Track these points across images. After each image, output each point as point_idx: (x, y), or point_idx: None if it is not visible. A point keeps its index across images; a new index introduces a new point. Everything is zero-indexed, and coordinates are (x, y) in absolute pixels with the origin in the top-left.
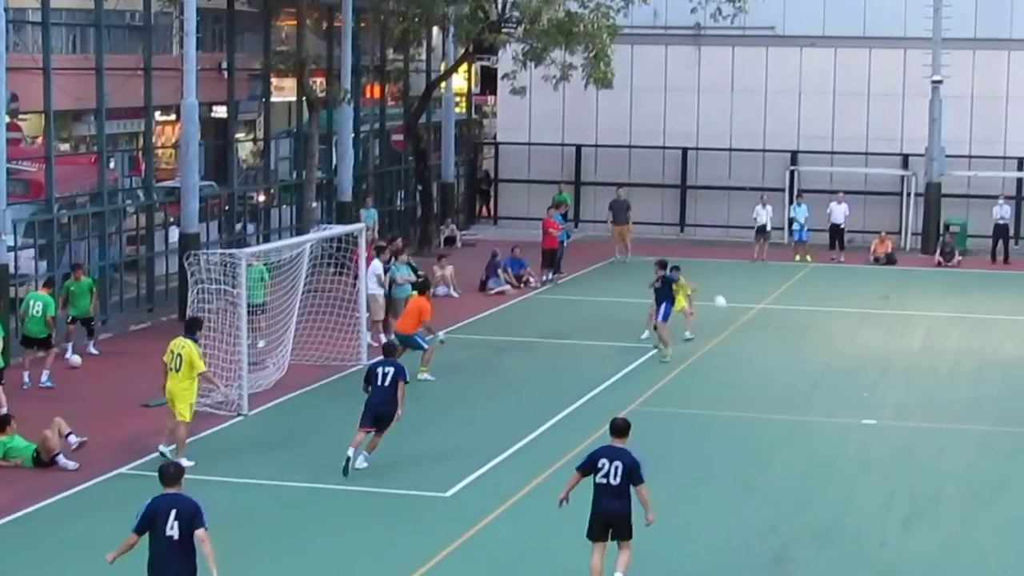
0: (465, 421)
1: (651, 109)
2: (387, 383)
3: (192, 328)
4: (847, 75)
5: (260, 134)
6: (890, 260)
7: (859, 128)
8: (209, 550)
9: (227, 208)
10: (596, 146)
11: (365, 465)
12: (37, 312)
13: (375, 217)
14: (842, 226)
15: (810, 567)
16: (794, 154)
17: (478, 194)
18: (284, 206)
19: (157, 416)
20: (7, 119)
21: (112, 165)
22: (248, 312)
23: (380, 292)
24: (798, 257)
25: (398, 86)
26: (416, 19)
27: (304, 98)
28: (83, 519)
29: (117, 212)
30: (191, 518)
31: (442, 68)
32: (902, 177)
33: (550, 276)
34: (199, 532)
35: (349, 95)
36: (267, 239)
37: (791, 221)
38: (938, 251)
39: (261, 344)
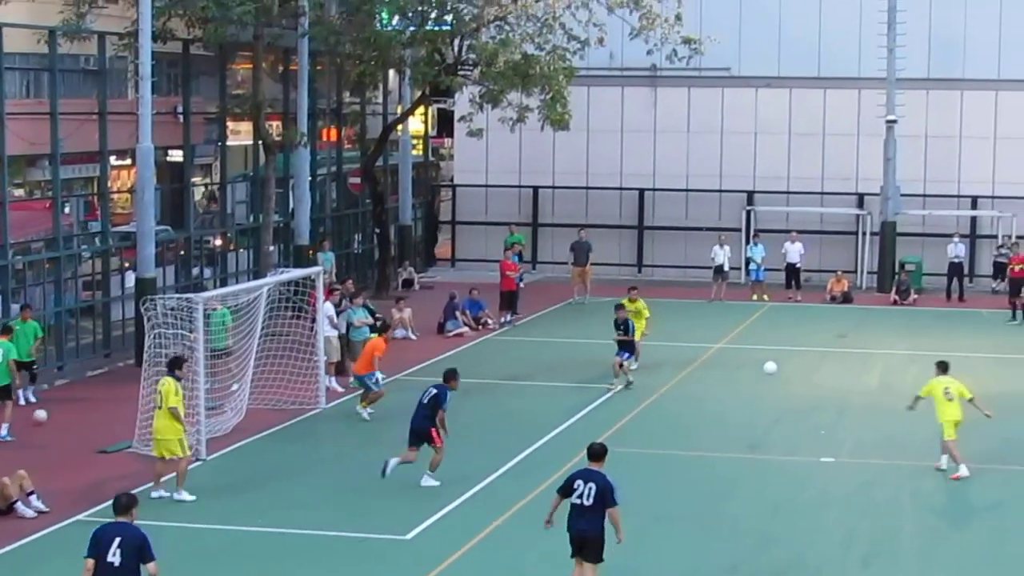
0: (424, 464)
1: (608, 150)
2: (426, 401)
3: (171, 366)
4: (802, 115)
5: (216, 178)
6: (846, 299)
7: (815, 168)
8: None
9: (183, 253)
10: (553, 187)
11: (434, 483)
12: None
13: (332, 260)
14: (798, 265)
15: None
16: (750, 194)
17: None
18: (241, 250)
19: (115, 462)
20: None
21: (67, 210)
22: (214, 357)
23: (333, 334)
24: (755, 297)
25: (355, 129)
26: (372, 62)
27: (260, 142)
28: (41, 567)
29: (73, 257)
30: (135, 548)
31: (399, 111)
32: (857, 216)
33: (508, 318)
34: (150, 566)
35: (305, 138)
36: (224, 283)
37: (748, 261)
38: (894, 289)
39: (235, 387)
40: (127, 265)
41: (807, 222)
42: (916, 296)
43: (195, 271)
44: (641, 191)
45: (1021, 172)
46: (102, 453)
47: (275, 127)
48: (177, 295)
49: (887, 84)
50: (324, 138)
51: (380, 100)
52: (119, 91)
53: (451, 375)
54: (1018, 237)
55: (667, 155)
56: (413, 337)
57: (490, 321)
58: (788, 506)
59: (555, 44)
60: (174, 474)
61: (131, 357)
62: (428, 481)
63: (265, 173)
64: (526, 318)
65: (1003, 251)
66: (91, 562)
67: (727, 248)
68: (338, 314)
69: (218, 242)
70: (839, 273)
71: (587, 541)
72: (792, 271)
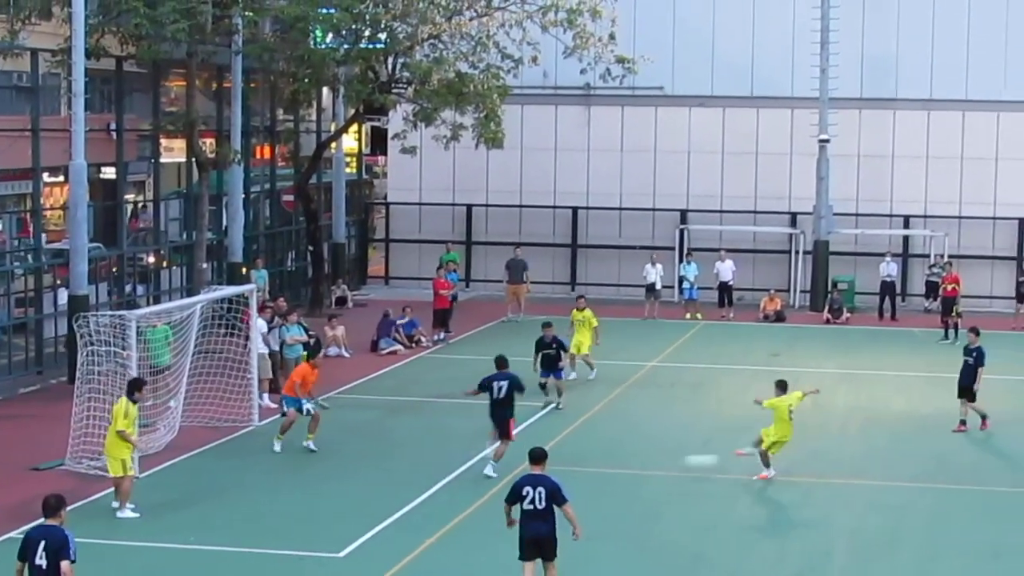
0: (357, 482)
1: (541, 169)
2: (503, 395)
3: (131, 389)
4: (735, 135)
5: (150, 195)
6: (779, 318)
7: (748, 187)
8: None
9: (116, 270)
10: (487, 205)
11: (494, 475)
12: None
13: (266, 278)
14: (730, 283)
15: None
16: (683, 213)
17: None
18: (174, 267)
19: (49, 479)
20: None
21: (0, 227)
22: (154, 373)
23: (265, 351)
24: (688, 315)
25: (288, 147)
26: (306, 80)
27: (194, 159)
28: None
29: (5, 274)
30: (57, 549)
31: (332, 129)
32: (790, 235)
33: (442, 336)
34: (63, 564)
35: (239, 156)
36: (157, 300)
37: (681, 280)
38: (826, 308)
39: (173, 404)
40: (59, 282)
41: (740, 241)
42: (849, 315)
43: (128, 288)
44: (575, 209)
45: (953, 191)
46: (35, 470)
47: (209, 144)
48: (110, 312)
49: (820, 104)
50: (258, 155)
51: (314, 118)
52: (52, 108)
53: (503, 361)
54: (951, 257)
55: (601, 174)
56: (347, 355)
57: (423, 339)
58: (720, 525)
59: (489, 63)
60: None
61: (64, 374)
62: (491, 471)
63: (199, 190)
64: (460, 336)
65: (935, 270)
66: (21, 564)
67: (659, 266)
68: (269, 331)
69: (151, 259)
70: (772, 292)
71: (544, 542)
72: (725, 289)
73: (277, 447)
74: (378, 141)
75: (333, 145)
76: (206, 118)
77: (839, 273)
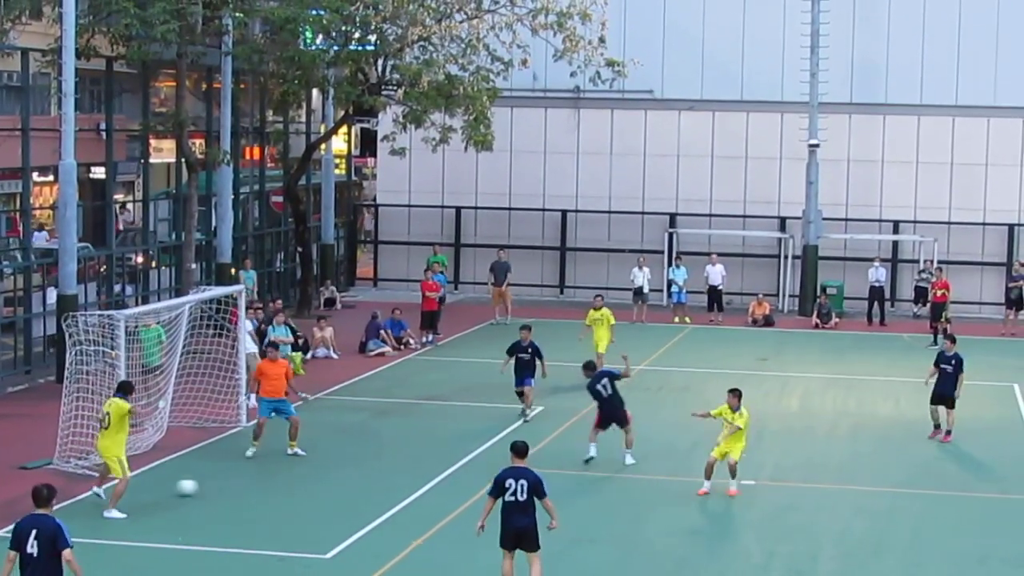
0: (345, 483)
1: (531, 171)
2: (611, 393)
3: (124, 390)
4: (725, 139)
5: (139, 195)
6: (768, 322)
7: (737, 191)
8: (76, 568)
9: (104, 269)
10: (476, 208)
11: (632, 462)
12: None
13: (254, 279)
14: (720, 287)
15: None
16: (672, 216)
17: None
18: (163, 267)
19: (36, 479)
20: None
21: None
22: (145, 373)
23: (255, 350)
24: (677, 319)
25: (277, 148)
26: (296, 81)
27: (183, 160)
28: None
29: None
30: (51, 538)
31: (322, 130)
32: (779, 240)
33: (430, 338)
34: (65, 552)
35: (228, 157)
36: (146, 300)
37: (670, 283)
38: (815, 313)
39: (162, 404)
40: (48, 282)
41: (729, 245)
42: (837, 320)
43: (117, 288)
44: (564, 212)
45: (943, 197)
46: (22, 469)
47: (198, 145)
48: (99, 312)
49: (809, 108)
50: (247, 157)
51: (303, 119)
52: (42, 108)
53: (593, 365)
54: (940, 262)
55: (590, 177)
56: (335, 356)
57: (412, 341)
58: (707, 529)
59: (479, 65)
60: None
61: (52, 374)
62: (630, 459)
63: (187, 191)
64: (448, 338)
65: (924, 276)
66: (13, 554)
67: (646, 270)
68: (260, 332)
69: (140, 260)
70: (760, 296)
71: (525, 534)
72: (714, 293)
73: (249, 452)
74: (367, 143)
75: (322, 146)
76: (195, 119)
77: (828, 278)
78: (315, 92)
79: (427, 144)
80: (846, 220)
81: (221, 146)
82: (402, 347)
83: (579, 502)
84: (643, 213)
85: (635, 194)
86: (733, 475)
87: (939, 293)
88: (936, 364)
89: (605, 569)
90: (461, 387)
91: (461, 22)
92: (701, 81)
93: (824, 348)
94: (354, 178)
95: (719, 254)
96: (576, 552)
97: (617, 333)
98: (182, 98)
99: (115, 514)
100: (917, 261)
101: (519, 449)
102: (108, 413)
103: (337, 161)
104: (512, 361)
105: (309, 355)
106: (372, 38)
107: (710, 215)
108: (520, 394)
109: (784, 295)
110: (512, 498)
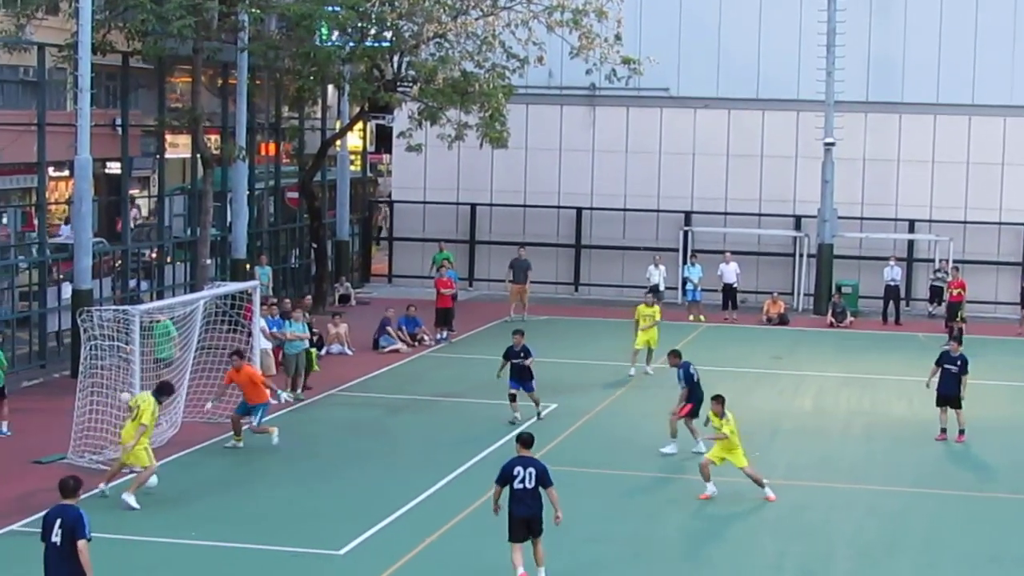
0: (359, 479)
1: (546, 169)
2: (696, 379)
3: (161, 391)
4: (740, 137)
5: (154, 191)
6: (782, 321)
7: (752, 189)
8: (86, 560)
9: (119, 264)
10: (491, 205)
11: (704, 450)
12: None
13: (269, 275)
14: (735, 286)
15: None
16: (688, 215)
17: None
18: (178, 263)
19: (50, 473)
20: None
21: (4, 221)
22: (157, 367)
23: (269, 346)
24: (691, 317)
25: (293, 144)
26: (311, 77)
27: (198, 155)
28: None
29: (9, 268)
30: (72, 528)
31: (337, 126)
32: (794, 238)
33: (444, 335)
34: (80, 543)
35: (243, 152)
36: (161, 296)
37: (685, 281)
38: (830, 312)
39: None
40: (63, 277)
41: (744, 243)
42: (852, 319)
43: (132, 284)
44: (579, 210)
45: (959, 196)
46: (37, 464)
47: (213, 141)
48: (114, 307)
49: (825, 107)
50: (262, 153)
51: (319, 115)
52: (57, 103)
53: (677, 354)
54: (956, 262)
55: (605, 174)
56: (349, 353)
57: (426, 338)
58: (720, 528)
59: (494, 62)
60: (133, 475)
61: (67, 368)
62: (669, 447)
63: (203, 187)
64: (462, 335)
65: (940, 275)
66: (45, 545)
67: (662, 268)
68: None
69: (154, 255)
70: (775, 295)
71: (532, 521)
72: (729, 292)
73: (230, 444)
74: (383, 139)
75: (337, 143)
76: (211, 115)
77: (843, 277)
78: (331, 88)
79: (442, 141)
80: (861, 219)
81: (236, 142)
82: (416, 344)
83: (592, 500)
84: (658, 211)
85: (650, 192)
86: (758, 483)
87: (955, 293)
88: (938, 364)
89: (618, 567)
90: (475, 384)
91: (477, 19)
92: (717, 79)
93: (839, 347)
94: (369, 175)
95: (733, 252)
96: (589, 550)
97: (630, 332)
98: (198, 94)
99: (132, 501)
100: (932, 260)
101: (525, 439)
102: (138, 406)
103: (352, 157)
104: (508, 366)
105: (323, 351)
106: (388, 34)
107: (725, 213)
108: (512, 398)
109: (799, 294)
110: (520, 485)
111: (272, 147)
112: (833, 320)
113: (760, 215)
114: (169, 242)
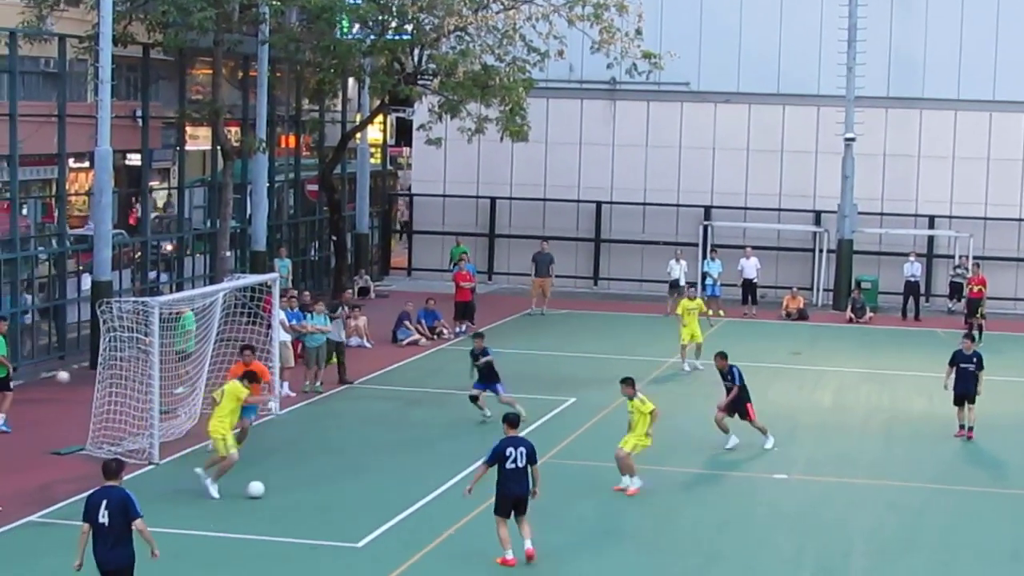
0: (377, 472)
1: (566, 162)
2: (740, 381)
3: (248, 377)
4: (761, 132)
5: (174, 183)
6: (802, 316)
7: (772, 184)
8: (148, 536)
9: (139, 256)
10: (511, 199)
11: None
12: None
13: (289, 267)
14: (754, 281)
15: None
16: (707, 209)
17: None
18: (198, 255)
19: (68, 464)
20: None
21: (24, 212)
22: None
23: (288, 339)
24: (710, 312)
25: (313, 137)
26: (332, 70)
27: (219, 147)
28: None
29: (29, 259)
30: (121, 508)
31: (357, 119)
32: (814, 234)
33: (463, 328)
34: (136, 522)
35: (264, 145)
36: (180, 288)
37: (704, 276)
38: (849, 307)
39: (180, 391)
40: (82, 268)
41: (764, 238)
42: (872, 314)
43: (151, 275)
44: (598, 204)
45: (979, 192)
46: (55, 455)
47: (233, 133)
48: (133, 299)
49: (846, 102)
50: (282, 145)
51: (339, 108)
52: (78, 94)
53: (723, 356)
54: (975, 258)
55: (625, 169)
56: (368, 346)
57: (445, 331)
58: (737, 523)
59: (515, 56)
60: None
61: (86, 359)
62: (770, 442)
63: (223, 179)
64: (481, 328)
65: (960, 271)
66: (87, 526)
67: (683, 263)
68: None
69: (169, 247)
70: (795, 290)
71: (521, 499)
72: (749, 287)
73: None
74: (403, 132)
75: (358, 136)
76: (231, 107)
77: (862, 272)
78: (351, 81)
79: (462, 134)
80: (881, 215)
81: (256, 134)
82: (435, 337)
83: (609, 494)
84: (678, 205)
85: (670, 186)
86: (627, 471)
87: (975, 289)
88: (952, 364)
89: (634, 562)
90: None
91: (497, 12)
92: (738, 74)
93: (858, 343)
94: (389, 167)
95: (754, 247)
96: (604, 545)
97: (650, 326)
98: (218, 86)
99: (213, 490)
100: (952, 256)
101: (512, 420)
102: (223, 391)
103: (372, 150)
104: (474, 371)
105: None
106: (408, 28)
107: (745, 208)
108: (474, 399)
109: (818, 289)
110: (512, 465)
111: (292, 139)
112: (852, 316)
113: (780, 210)
114: (189, 234)
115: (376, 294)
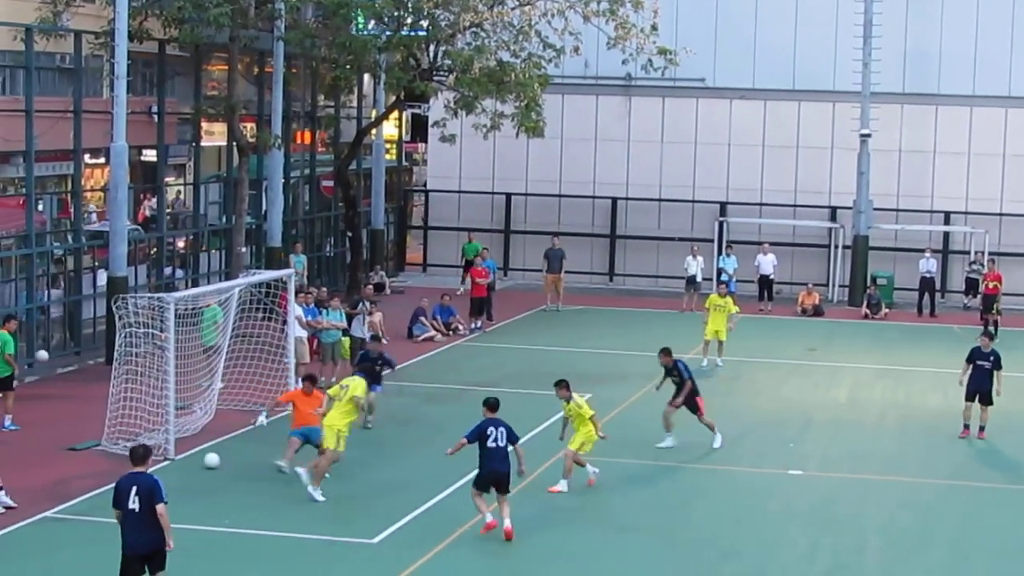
0: (393, 468)
1: (581, 159)
2: (688, 375)
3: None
4: (776, 128)
5: (190, 179)
6: (817, 312)
7: (788, 180)
8: (166, 523)
9: (155, 251)
10: (526, 195)
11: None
12: None
13: (304, 263)
14: (771, 277)
15: None
16: (723, 205)
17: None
18: (213, 251)
19: (84, 460)
20: None
21: (40, 208)
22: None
23: (304, 335)
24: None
25: (328, 133)
26: (347, 66)
27: (234, 143)
28: (6, 563)
29: (45, 255)
30: (149, 494)
31: (373, 115)
32: (830, 230)
33: (478, 324)
34: (159, 507)
35: (279, 141)
36: (196, 284)
37: (720, 272)
38: (865, 304)
39: (220, 385)
40: (98, 264)
41: (779, 234)
42: (887, 311)
43: (167, 271)
44: (614, 200)
45: (995, 188)
46: (71, 451)
47: (249, 129)
48: (149, 294)
49: (862, 98)
50: (298, 141)
51: (354, 104)
52: (94, 90)
53: (665, 351)
54: (991, 254)
55: (640, 165)
56: (384, 342)
57: (460, 327)
58: (752, 518)
59: (530, 52)
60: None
61: (101, 355)
62: (717, 441)
63: (238, 175)
64: (497, 324)
65: (975, 267)
66: (118, 512)
67: (700, 259)
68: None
69: (182, 244)
70: (810, 286)
71: (502, 477)
72: (765, 283)
73: (283, 464)
74: (418, 128)
75: (373, 132)
76: (247, 103)
77: (878, 268)
78: (366, 77)
79: (478, 130)
80: (897, 211)
81: (272, 130)
82: (451, 333)
83: (624, 491)
84: (693, 201)
85: (686, 182)
86: (566, 472)
87: (991, 285)
88: (969, 361)
89: (649, 558)
90: (510, 373)
91: (513, 8)
92: (753, 70)
93: (873, 339)
94: (404, 164)
95: (770, 244)
96: (621, 540)
97: (666, 322)
98: (234, 82)
99: (317, 494)
100: (968, 252)
101: (492, 404)
102: (347, 385)
103: (388, 146)
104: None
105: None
106: (424, 24)
107: (760, 204)
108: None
109: (834, 285)
110: (494, 444)
111: (308, 135)
112: (868, 312)
113: (795, 206)
114: (204, 230)
115: (391, 290)
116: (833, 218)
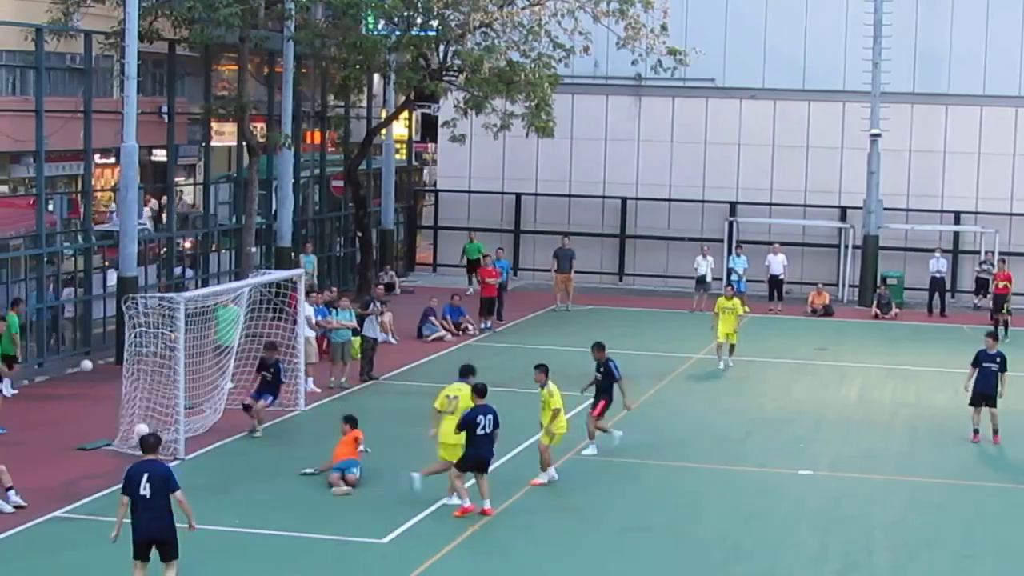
0: (403, 467)
1: (591, 158)
2: (618, 374)
3: (466, 373)
4: (786, 127)
5: (200, 178)
6: (827, 312)
7: (798, 180)
8: (187, 507)
9: (164, 251)
10: (536, 195)
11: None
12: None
13: (314, 263)
14: (781, 277)
15: None
16: (733, 205)
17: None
18: (223, 251)
19: (94, 460)
20: None
21: (50, 208)
22: (221, 353)
23: (312, 335)
24: (747, 309)
25: (338, 132)
26: (357, 66)
27: (244, 143)
28: (16, 562)
29: (55, 255)
30: (162, 481)
31: (383, 115)
32: (840, 229)
33: (488, 324)
34: (176, 494)
35: (289, 141)
36: (206, 283)
37: (730, 272)
38: (875, 303)
39: (230, 385)
40: (108, 264)
41: (789, 234)
42: (897, 310)
43: (177, 271)
44: (624, 200)
45: (1005, 188)
46: (81, 450)
47: (259, 129)
48: (159, 294)
49: (871, 98)
50: (308, 141)
51: (364, 104)
52: (104, 90)
53: (597, 345)
54: (1002, 254)
55: (650, 164)
56: (393, 341)
57: (470, 327)
58: (761, 518)
59: (540, 52)
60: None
61: (111, 355)
62: (590, 450)
63: (248, 175)
64: (506, 324)
65: (985, 267)
66: (126, 498)
67: (710, 259)
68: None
69: (188, 244)
70: (820, 286)
71: (487, 461)
72: (775, 283)
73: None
74: (428, 128)
75: (383, 132)
76: (257, 103)
77: (888, 268)
78: (376, 77)
79: (488, 130)
80: (907, 210)
81: (282, 130)
82: (460, 333)
83: (631, 490)
84: (703, 201)
85: (695, 182)
86: (544, 465)
87: (1001, 285)
88: (975, 364)
89: (657, 557)
90: (519, 373)
91: (523, 8)
92: (763, 70)
93: (883, 339)
94: (414, 164)
95: (780, 244)
96: (628, 540)
97: (676, 322)
98: (244, 82)
99: (466, 504)
100: (978, 252)
101: (480, 390)
102: (456, 397)
103: (397, 146)
104: (259, 379)
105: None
106: (434, 24)
107: (770, 204)
108: (247, 408)
109: (844, 285)
110: (483, 432)
111: (318, 135)
112: (878, 311)
113: (805, 206)
114: (214, 229)
115: (401, 290)
116: (843, 218)
